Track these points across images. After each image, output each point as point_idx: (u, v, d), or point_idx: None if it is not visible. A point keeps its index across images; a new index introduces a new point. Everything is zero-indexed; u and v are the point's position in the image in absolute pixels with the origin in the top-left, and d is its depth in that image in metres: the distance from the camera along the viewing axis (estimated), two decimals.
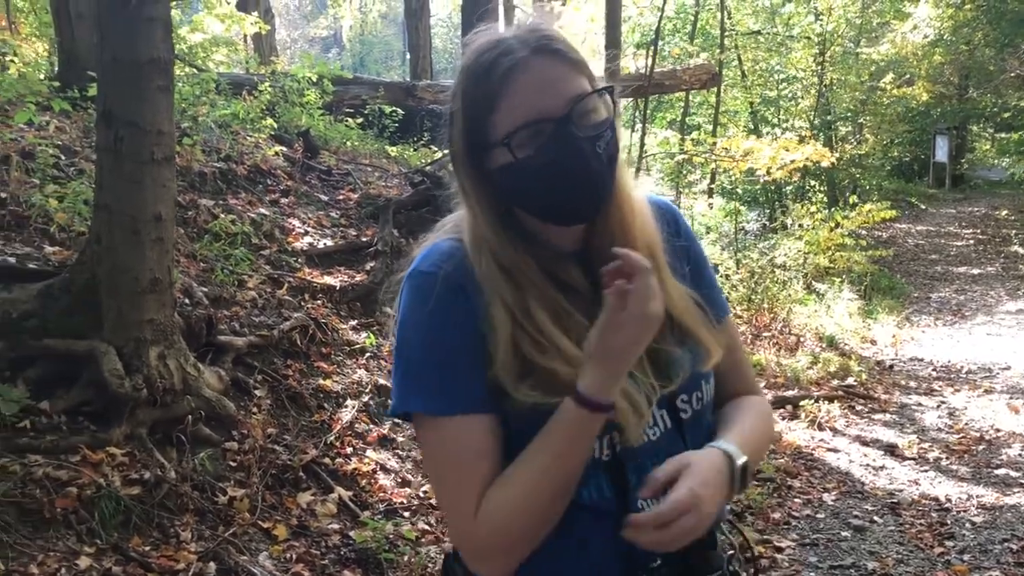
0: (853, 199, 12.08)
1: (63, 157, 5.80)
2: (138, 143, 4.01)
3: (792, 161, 10.17)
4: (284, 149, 8.04)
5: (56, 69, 7.75)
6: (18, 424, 3.72)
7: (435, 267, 1.26)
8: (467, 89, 1.24)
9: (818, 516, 5.05)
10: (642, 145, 12.81)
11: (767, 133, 15.19)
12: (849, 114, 18.55)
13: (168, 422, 4.16)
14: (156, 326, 4.14)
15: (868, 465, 5.89)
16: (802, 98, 17.85)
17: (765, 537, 4.68)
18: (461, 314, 1.23)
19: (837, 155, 12.31)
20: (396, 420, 5.25)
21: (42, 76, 7.23)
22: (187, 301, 4.76)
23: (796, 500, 5.28)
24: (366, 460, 4.76)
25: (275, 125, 8.68)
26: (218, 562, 3.66)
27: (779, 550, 4.56)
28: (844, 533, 4.79)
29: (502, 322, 1.22)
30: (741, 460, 1.23)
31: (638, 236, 1.30)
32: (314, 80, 9.68)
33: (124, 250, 4.07)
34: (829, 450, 6.20)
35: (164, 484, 3.83)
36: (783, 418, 6.80)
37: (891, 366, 8.73)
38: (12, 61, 7.47)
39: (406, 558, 3.97)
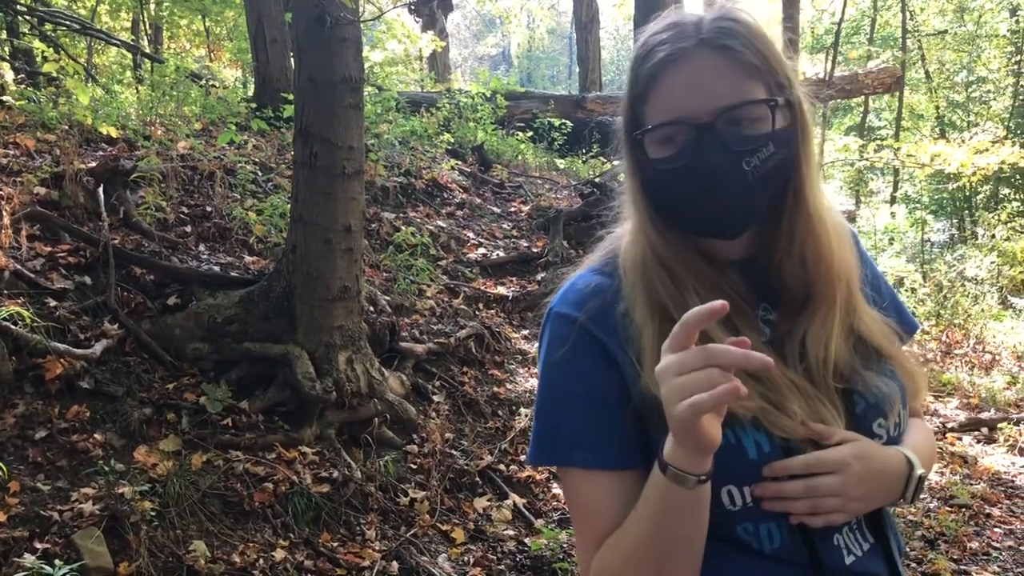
0: None
1: (260, 173, 6.20)
2: (331, 158, 4.24)
3: (987, 164, 9.51)
4: (459, 163, 8.27)
5: (252, 91, 8.31)
6: (222, 421, 4.00)
7: (573, 308, 1.17)
8: (630, 73, 1.15)
9: (1023, 548, 4.67)
10: (821, 152, 12.34)
11: (955, 138, 14.25)
12: None
13: (354, 424, 4.35)
14: (345, 332, 4.35)
15: None
16: (995, 100, 16.67)
17: (962, 568, 4.36)
18: (595, 357, 1.14)
19: None
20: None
21: (238, 98, 7.76)
22: (372, 309, 4.97)
23: (996, 530, 4.90)
24: (540, 468, 4.80)
25: (451, 140, 8.94)
26: (400, 561, 3.79)
27: None
28: None
29: (648, 321, 1.11)
30: (920, 471, 1.14)
31: (836, 264, 1.16)
32: (488, 96, 9.92)
33: (316, 259, 4.30)
34: None
35: (351, 483, 4.01)
36: (978, 441, 6.34)
37: None
38: (214, 86, 8.05)
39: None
